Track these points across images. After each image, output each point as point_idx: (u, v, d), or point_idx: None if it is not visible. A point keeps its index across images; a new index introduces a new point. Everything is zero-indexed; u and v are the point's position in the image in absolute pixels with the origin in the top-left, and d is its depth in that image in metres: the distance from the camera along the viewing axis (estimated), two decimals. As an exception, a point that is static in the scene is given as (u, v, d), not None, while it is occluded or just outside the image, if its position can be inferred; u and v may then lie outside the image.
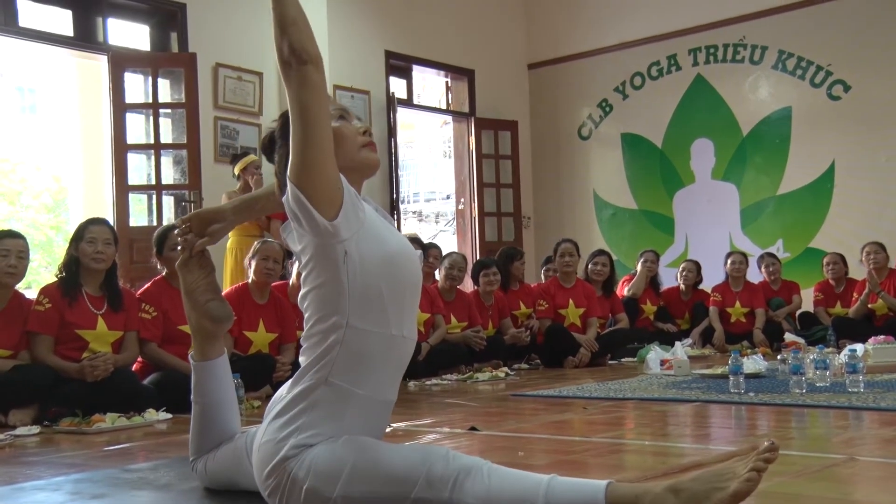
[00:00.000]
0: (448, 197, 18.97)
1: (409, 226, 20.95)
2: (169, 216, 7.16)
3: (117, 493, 2.23)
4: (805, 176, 8.54)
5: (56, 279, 4.19)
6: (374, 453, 1.77)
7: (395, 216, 8.65)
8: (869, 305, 7.15)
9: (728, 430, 3.08)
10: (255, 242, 4.87)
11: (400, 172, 8.86)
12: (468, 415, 3.61)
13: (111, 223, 4.44)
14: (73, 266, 4.14)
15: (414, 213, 23.21)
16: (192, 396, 2.20)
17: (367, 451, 1.77)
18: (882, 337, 5.24)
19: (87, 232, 4.15)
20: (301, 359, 1.86)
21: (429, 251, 6.77)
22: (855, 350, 4.47)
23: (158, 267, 4.59)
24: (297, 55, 1.77)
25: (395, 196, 8.56)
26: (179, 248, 2.22)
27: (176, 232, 2.22)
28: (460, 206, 9.65)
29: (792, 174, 8.61)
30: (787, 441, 2.64)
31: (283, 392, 1.86)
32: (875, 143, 8.12)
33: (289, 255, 4.96)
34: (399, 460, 1.74)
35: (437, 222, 23.92)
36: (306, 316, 1.86)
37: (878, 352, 4.92)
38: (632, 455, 2.47)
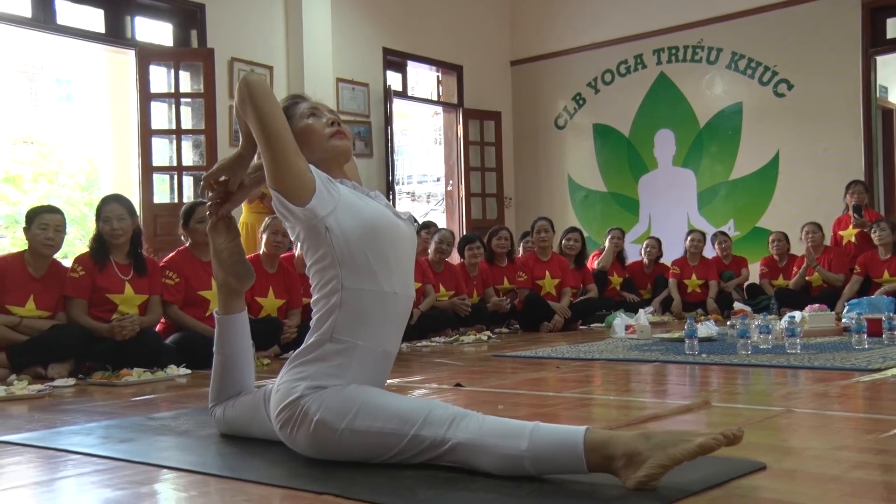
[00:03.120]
0: (438, 179, 18.91)
1: (403, 205, 20.89)
2: (189, 194, 7.12)
3: (142, 437, 2.23)
4: (753, 163, 8.54)
5: (88, 250, 4.18)
6: (380, 396, 1.80)
7: (391, 197, 8.61)
8: (806, 278, 7.19)
9: (683, 387, 3.09)
10: (266, 218, 4.84)
11: (395, 157, 8.81)
12: (454, 373, 3.62)
13: (130, 200, 4.37)
14: (100, 240, 4.12)
15: (408, 193, 23.13)
16: (214, 348, 2.21)
17: (375, 394, 1.81)
18: (817, 305, 5.28)
19: (102, 212, 4.14)
20: (312, 321, 1.90)
21: (424, 229, 6.76)
22: (794, 317, 4.50)
23: (183, 238, 4.56)
24: (239, 84, 1.93)
25: (390, 178, 8.53)
26: (208, 213, 2.22)
27: (207, 196, 2.20)
28: (449, 188, 9.62)
29: (742, 162, 8.62)
30: (733, 395, 2.66)
31: (301, 346, 1.89)
32: (814, 136, 8.12)
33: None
34: (403, 403, 1.78)
35: (428, 202, 23.87)
36: (312, 285, 1.91)
37: (814, 318, 4.96)
38: (599, 408, 2.48)
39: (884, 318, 4.36)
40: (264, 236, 4.68)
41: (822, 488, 1.47)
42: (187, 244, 4.52)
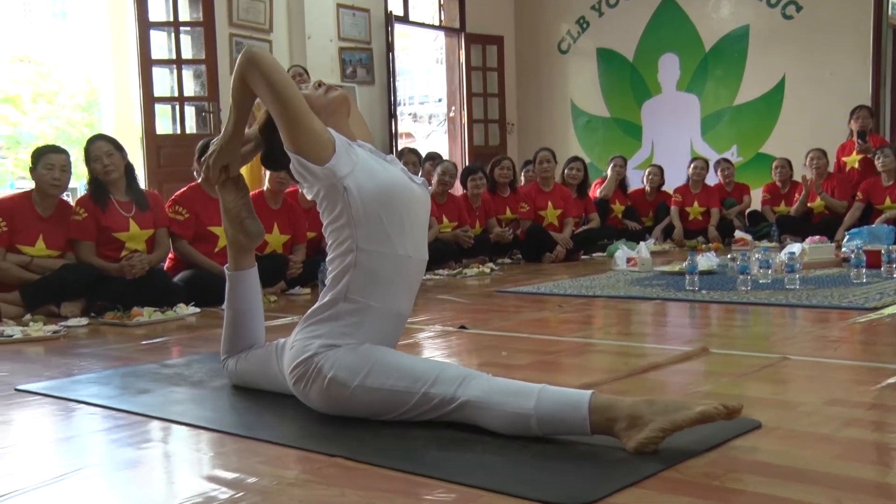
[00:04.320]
0: (440, 100, 18.68)
1: (405, 125, 20.72)
2: (191, 125, 7.08)
3: (159, 388, 2.29)
4: (759, 88, 8.45)
5: (86, 193, 4.19)
6: (393, 356, 1.86)
7: (393, 125, 8.56)
8: (808, 204, 7.19)
9: (683, 329, 3.15)
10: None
11: (397, 82, 8.71)
12: (458, 311, 3.68)
13: (115, 138, 4.32)
14: (95, 181, 4.12)
15: (410, 114, 22.90)
16: (225, 303, 2.25)
17: (387, 353, 1.87)
18: (818, 237, 5.30)
19: (90, 152, 4.12)
20: (326, 280, 1.93)
21: (430, 160, 6.72)
22: (794, 253, 4.54)
23: (196, 174, 4.55)
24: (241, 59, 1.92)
25: (392, 106, 8.46)
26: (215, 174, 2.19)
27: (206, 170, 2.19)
28: (451, 114, 9.53)
29: (747, 86, 8.52)
30: (731, 340, 2.71)
31: (316, 304, 1.94)
32: (821, 60, 8.00)
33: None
34: (415, 362, 1.85)
35: (430, 123, 23.65)
36: (329, 243, 1.94)
37: (814, 250, 4.99)
38: (599, 355, 2.54)
39: (882, 252, 4.40)
40: (268, 173, 4.67)
41: (814, 449, 1.53)
42: (199, 180, 4.52)
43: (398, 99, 9.03)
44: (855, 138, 7.23)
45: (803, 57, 8.11)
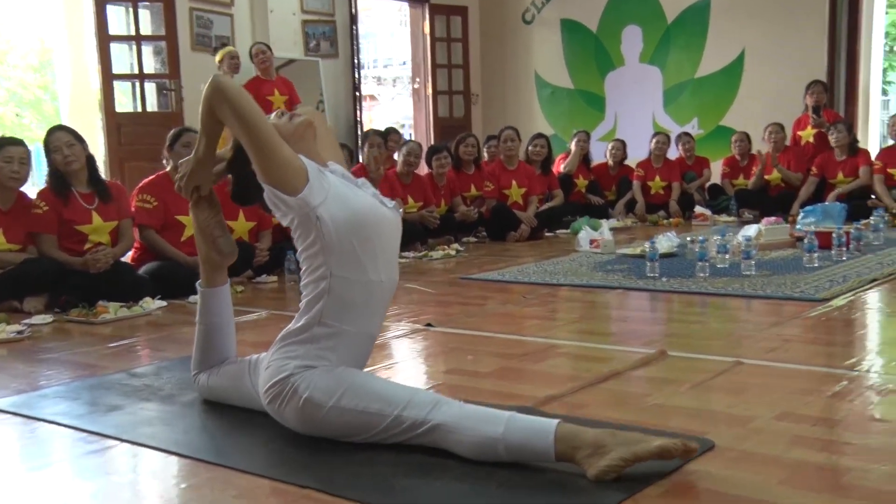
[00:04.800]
0: (404, 63, 18.53)
1: (369, 88, 20.53)
2: (152, 102, 6.97)
3: (129, 403, 2.30)
4: (719, 61, 8.53)
5: (46, 185, 4.12)
6: (368, 379, 1.92)
7: (357, 92, 8.53)
8: (765, 177, 7.32)
9: (644, 327, 3.22)
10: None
11: (360, 42, 8.67)
12: (424, 304, 3.72)
13: (73, 129, 4.24)
14: (56, 173, 4.06)
15: (374, 78, 22.68)
16: (197, 318, 2.27)
17: (362, 376, 1.93)
18: (773, 218, 5.43)
19: (50, 143, 4.05)
20: (301, 302, 1.97)
21: (389, 136, 6.73)
22: (750, 236, 4.65)
23: (165, 162, 4.51)
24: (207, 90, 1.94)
25: (357, 73, 8.46)
26: (188, 193, 2.20)
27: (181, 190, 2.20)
28: (416, 86, 9.49)
29: (708, 59, 8.59)
30: (688, 341, 2.79)
31: (291, 325, 1.98)
32: (780, 34, 8.09)
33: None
34: (390, 386, 1.90)
35: (394, 86, 23.45)
36: (303, 269, 1.98)
37: (770, 231, 5.11)
38: (562, 359, 2.59)
39: (833, 235, 4.52)
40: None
41: (762, 474, 1.61)
42: (168, 168, 4.48)
43: (362, 62, 8.98)
44: (810, 113, 7.35)
45: (762, 31, 8.19)
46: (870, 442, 1.77)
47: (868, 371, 2.30)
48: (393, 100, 23.15)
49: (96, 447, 1.96)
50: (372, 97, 21.47)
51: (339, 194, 1.93)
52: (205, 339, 2.26)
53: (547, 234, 6.47)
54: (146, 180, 4.47)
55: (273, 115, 2.09)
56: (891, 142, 6.86)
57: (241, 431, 2.03)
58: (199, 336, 2.27)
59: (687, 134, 7.98)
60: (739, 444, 1.77)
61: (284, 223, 1.96)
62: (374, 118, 22.21)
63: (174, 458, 1.88)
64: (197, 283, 2.27)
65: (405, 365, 2.68)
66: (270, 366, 1.94)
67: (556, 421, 1.67)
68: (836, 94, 7.92)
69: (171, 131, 4.54)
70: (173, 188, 4.27)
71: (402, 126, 22.86)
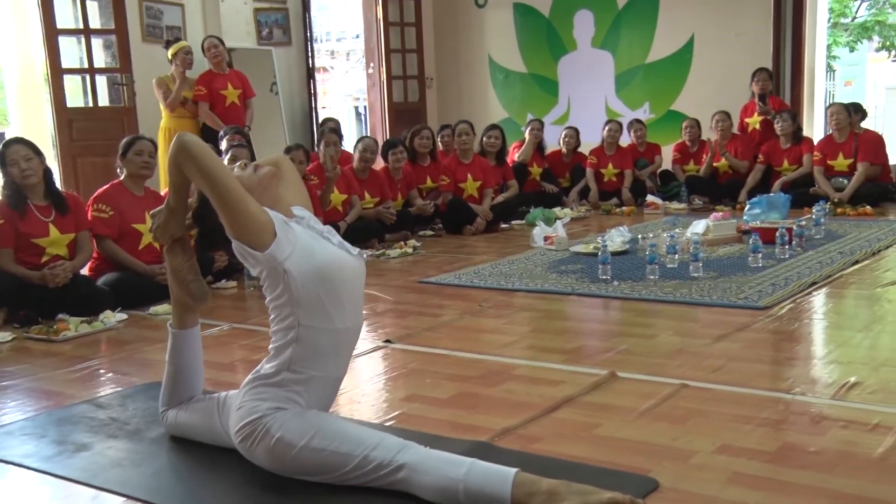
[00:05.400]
0: (357, 36, 18.33)
1: (322, 61, 20.31)
2: (104, 97, 6.85)
3: (96, 442, 2.34)
4: (669, 47, 8.64)
5: (2, 197, 4.08)
6: (338, 422, 2.02)
7: (312, 80, 8.49)
8: (714, 164, 7.50)
9: (595, 342, 3.34)
10: (226, 147, 4.90)
11: (312, 15, 8.62)
12: (382, 315, 3.80)
13: (31, 141, 4.19)
14: (12, 185, 4.02)
15: (327, 51, 22.42)
16: (166, 357, 2.31)
17: (333, 419, 2.02)
18: (720, 214, 5.60)
19: (6, 156, 4.00)
20: (270, 347, 2.05)
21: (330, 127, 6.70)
22: (697, 234, 4.80)
23: (119, 171, 4.48)
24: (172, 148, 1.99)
25: (311, 61, 8.43)
26: (161, 240, 2.24)
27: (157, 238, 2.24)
28: (370, 71, 9.45)
29: (659, 45, 8.70)
30: (636, 359, 2.91)
31: (260, 368, 2.05)
32: (727, 21, 8.23)
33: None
34: (359, 429, 1.98)
35: (348, 59, 23.21)
36: (271, 317, 2.05)
37: (718, 227, 5.27)
38: (517, 383, 2.68)
39: (777, 234, 4.69)
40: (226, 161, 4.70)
41: (701, 517, 1.73)
42: (122, 177, 4.46)
43: (314, 36, 8.92)
44: (756, 100, 7.53)
45: (710, 17, 8.32)
46: (805, 480, 1.89)
47: (804, 394, 2.44)
48: (347, 73, 22.96)
49: (61, 495, 2.01)
50: (324, 69, 21.25)
51: (305, 248, 2.00)
52: (174, 379, 2.31)
53: (503, 226, 6.57)
54: (100, 190, 4.44)
55: (237, 167, 2.13)
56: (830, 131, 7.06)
57: (212, 473, 2.09)
58: (168, 375, 2.32)
59: (639, 121, 8.11)
60: (681, 482, 1.89)
61: (254, 273, 2.04)
62: (328, 90, 22.04)
63: (144, 508, 1.94)
64: (168, 324, 2.31)
65: (367, 390, 2.76)
66: (242, 407, 2.01)
67: (514, 470, 1.78)
68: (781, 79, 8.11)
69: (123, 140, 4.51)
70: (128, 196, 4.35)
71: (357, 99, 22.75)
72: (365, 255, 2.22)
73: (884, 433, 2.12)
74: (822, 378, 2.61)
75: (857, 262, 4.43)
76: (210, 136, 6.36)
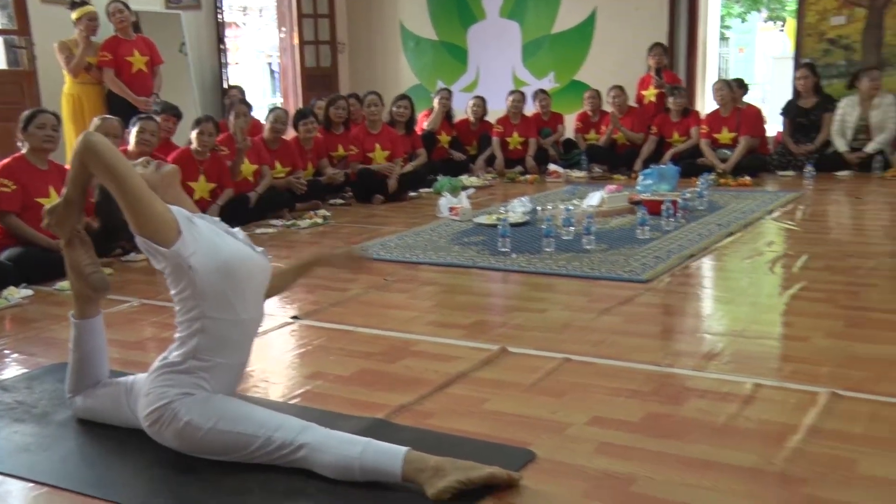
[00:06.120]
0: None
1: (234, 17, 19.73)
2: (1, 59, 6.56)
3: (3, 426, 2.35)
4: (573, 18, 8.82)
5: None
6: (244, 405, 2.10)
7: (222, 44, 8.31)
8: (613, 136, 7.76)
9: (491, 316, 3.49)
10: (134, 120, 4.83)
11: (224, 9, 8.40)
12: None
13: None
14: None
15: (240, 8, 21.75)
16: (70, 345, 2.34)
17: (240, 403, 2.11)
18: (615, 186, 5.84)
19: None
20: (176, 336, 2.12)
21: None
22: (592, 206, 5.02)
23: (20, 145, 4.36)
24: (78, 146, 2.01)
25: (220, 24, 8.25)
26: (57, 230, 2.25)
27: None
28: (282, 35, 9.30)
29: (563, 16, 8.86)
30: (526, 333, 3.08)
31: (167, 355, 2.11)
32: (627, -5, 8.43)
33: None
34: (263, 411, 2.08)
35: (261, 16, 22.58)
36: (177, 309, 2.12)
37: (611, 199, 5.51)
38: (415, 360, 2.81)
39: (662, 207, 4.95)
40: (133, 136, 4.76)
41: (569, 486, 1.90)
42: (24, 150, 4.35)
43: (223, 8, 8.69)
44: (652, 74, 7.80)
45: (612, -9, 8.51)
46: (662, 448, 2.09)
47: (670, 366, 2.66)
48: (260, 31, 22.36)
49: (-24, 482, 2.05)
50: (235, 25, 20.66)
51: (209, 244, 2.06)
52: (79, 366, 2.35)
53: (411, 194, 6.67)
54: (1, 164, 4.32)
55: (139, 164, 2.16)
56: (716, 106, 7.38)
57: (121, 456, 2.16)
58: (73, 364, 2.35)
59: (543, 91, 8.29)
60: (555, 453, 2.07)
61: (158, 268, 2.09)
62: (240, 47, 21.44)
63: (54, 492, 1.99)
64: (70, 314, 2.34)
65: (274, 367, 2.85)
66: (151, 393, 2.08)
67: (405, 448, 1.91)
68: (675, 56, 8.39)
69: (24, 113, 4.39)
70: (31, 170, 4.25)
71: (270, 56, 22.22)
72: (270, 257, 2.30)
73: (731, 401, 2.35)
74: (688, 350, 2.84)
75: (731, 234, 4.73)
76: (117, 102, 6.21)
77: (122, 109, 5.89)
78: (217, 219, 2.26)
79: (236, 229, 2.25)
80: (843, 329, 3.01)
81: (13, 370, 2.89)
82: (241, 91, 6.88)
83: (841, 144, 7.10)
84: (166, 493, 1.96)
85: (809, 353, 2.75)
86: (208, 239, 2.08)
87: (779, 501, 1.82)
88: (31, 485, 2.03)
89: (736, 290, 3.67)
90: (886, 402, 2.32)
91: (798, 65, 7.66)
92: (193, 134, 5.25)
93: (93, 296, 2.31)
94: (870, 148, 6.97)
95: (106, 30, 6.44)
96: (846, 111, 7.11)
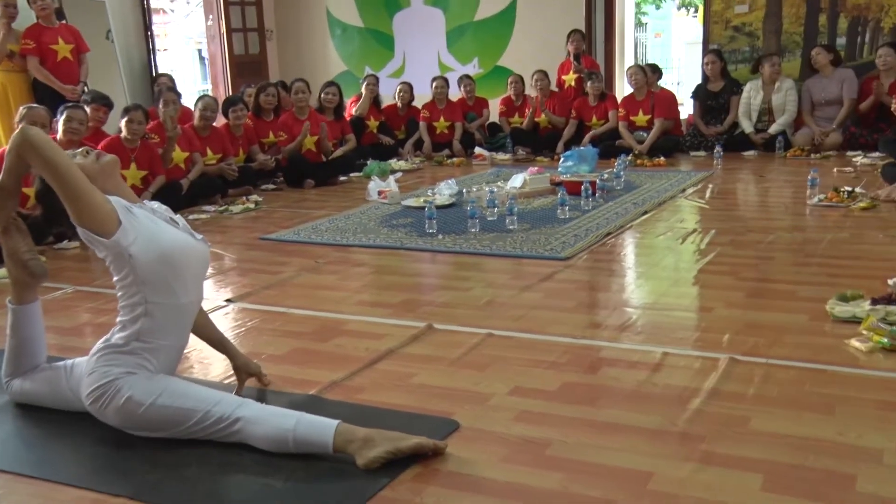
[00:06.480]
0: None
1: (161, 3, 19.19)
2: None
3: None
4: (494, 6, 8.92)
5: None
6: (184, 382, 2.15)
7: (148, 22, 8.13)
8: (535, 119, 7.90)
9: (419, 295, 3.57)
10: (61, 109, 4.70)
11: None
12: (225, 272, 3.88)
13: None
14: None
15: (167, -8, 21.12)
16: (7, 331, 2.34)
17: (178, 381, 2.15)
18: (536, 168, 5.98)
19: None
20: (119, 319, 2.14)
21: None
22: (515, 188, 5.14)
23: None
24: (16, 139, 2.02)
25: (147, 7, 8.05)
26: None
27: None
28: (209, 23, 9.13)
29: (485, 4, 8.95)
30: (452, 311, 3.18)
31: (110, 337, 2.13)
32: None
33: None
34: (202, 388, 2.13)
35: (188, 2, 21.99)
36: (119, 294, 2.14)
37: (534, 181, 5.64)
38: (346, 339, 2.88)
39: (582, 187, 5.10)
40: (60, 125, 4.64)
41: (488, 452, 2.00)
42: None
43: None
44: (571, 59, 7.96)
45: (529, -21, 8.63)
46: (576, 414, 2.21)
47: (585, 338, 2.79)
48: (188, 17, 21.78)
49: (-88, 471, 2.03)
50: (163, 11, 20.09)
51: (148, 233, 2.09)
52: (17, 351, 2.35)
53: (341, 178, 6.68)
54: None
55: (79, 154, 2.16)
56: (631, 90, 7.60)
57: (60, 438, 2.17)
58: (10, 348, 2.35)
59: (468, 76, 8.36)
60: (477, 422, 2.17)
61: (100, 256, 2.11)
62: (168, 33, 20.85)
63: (-6, 477, 2.00)
64: (8, 300, 2.33)
65: (211, 349, 2.86)
66: (94, 372, 2.10)
67: (336, 421, 1.98)
68: (593, 42, 8.58)
69: None
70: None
71: (199, 43, 21.69)
72: (209, 244, 2.33)
73: (641, 369, 2.49)
74: (603, 322, 2.98)
75: (645, 212, 4.91)
76: (43, 91, 6.04)
77: (48, 98, 5.74)
78: (164, 206, 2.28)
79: (177, 216, 2.26)
80: (744, 299, 3.19)
81: (-55, 360, 2.83)
82: (170, 79, 6.77)
83: (747, 126, 7.40)
84: (106, 470, 1.99)
85: (713, 322, 2.92)
86: (147, 228, 2.10)
87: (679, 458, 1.95)
88: (-30, 471, 2.03)
89: (649, 265, 3.83)
90: (778, 365, 2.50)
91: (706, 50, 7.93)
92: (123, 122, 5.16)
93: (31, 282, 2.30)
94: (773, 129, 7.28)
95: (28, 17, 6.23)
96: (751, 94, 7.40)
